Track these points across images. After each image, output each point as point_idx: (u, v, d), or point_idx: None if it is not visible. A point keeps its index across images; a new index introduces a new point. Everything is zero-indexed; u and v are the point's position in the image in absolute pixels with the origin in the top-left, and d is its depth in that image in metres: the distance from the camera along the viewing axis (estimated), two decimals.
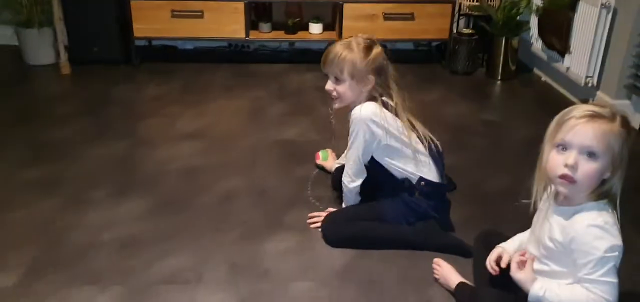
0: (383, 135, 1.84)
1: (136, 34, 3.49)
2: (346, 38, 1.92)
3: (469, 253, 1.82)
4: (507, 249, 1.54)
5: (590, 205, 1.28)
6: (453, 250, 1.86)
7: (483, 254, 1.61)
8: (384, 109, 1.85)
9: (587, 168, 1.24)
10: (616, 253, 1.23)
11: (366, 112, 1.83)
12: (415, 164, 1.89)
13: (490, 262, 1.53)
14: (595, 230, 1.23)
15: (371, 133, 1.84)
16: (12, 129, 2.72)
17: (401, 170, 1.89)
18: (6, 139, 2.61)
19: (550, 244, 1.33)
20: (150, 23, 3.46)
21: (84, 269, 1.76)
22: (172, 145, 2.59)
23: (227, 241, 1.93)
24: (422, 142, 1.90)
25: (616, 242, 1.23)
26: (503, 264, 1.47)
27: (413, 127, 1.91)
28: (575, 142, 1.25)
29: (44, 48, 3.54)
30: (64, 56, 3.44)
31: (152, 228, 1.98)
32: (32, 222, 2.00)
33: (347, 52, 1.85)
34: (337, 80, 1.88)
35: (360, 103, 1.87)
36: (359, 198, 2.00)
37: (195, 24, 3.48)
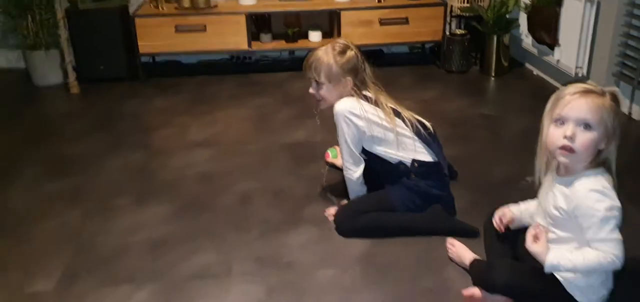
0: (364, 125, 1.96)
1: (141, 50, 3.60)
2: (326, 44, 2.07)
3: (475, 234, 1.95)
4: (511, 209, 1.69)
5: (588, 172, 1.41)
6: (459, 233, 1.98)
7: (493, 232, 1.74)
8: (362, 101, 1.99)
9: (584, 138, 1.38)
10: (616, 213, 1.36)
11: (344, 105, 1.97)
12: (403, 147, 2.00)
13: (495, 219, 1.68)
14: (595, 194, 1.36)
15: (353, 124, 1.96)
16: (30, 146, 2.82)
17: (392, 155, 2.01)
18: (27, 155, 2.71)
19: (556, 213, 1.45)
20: (155, 40, 3.57)
21: (118, 270, 1.86)
22: (186, 153, 2.70)
23: (250, 237, 2.03)
24: (409, 127, 2.02)
25: (615, 203, 1.36)
26: (505, 220, 1.65)
27: (398, 115, 2.03)
28: (572, 115, 1.39)
29: (52, 69, 3.64)
30: (72, 76, 3.54)
31: (178, 229, 2.09)
32: (62, 230, 2.10)
33: (323, 57, 2.01)
34: (318, 84, 2.04)
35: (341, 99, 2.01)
36: (364, 188, 2.11)
37: (198, 38, 3.60)
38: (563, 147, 1.40)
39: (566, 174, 1.46)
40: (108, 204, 2.26)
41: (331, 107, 2.03)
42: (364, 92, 2.02)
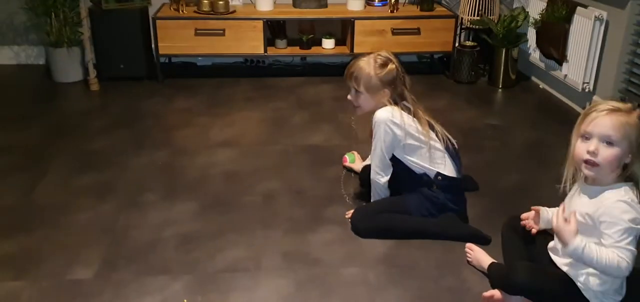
0: (402, 134, 2.07)
1: (161, 51, 3.69)
2: (368, 54, 2.17)
3: (487, 240, 2.06)
4: (539, 207, 1.78)
5: (617, 185, 1.52)
6: (471, 239, 2.08)
7: (511, 235, 1.85)
8: (403, 112, 2.10)
9: (607, 153, 1.50)
10: (639, 226, 1.47)
11: (386, 114, 2.08)
12: (432, 160, 2.11)
13: (526, 217, 1.77)
14: (623, 204, 1.47)
15: (392, 132, 2.07)
16: (56, 141, 2.90)
17: (420, 166, 2.12)
18: (53, 150, 2.80)
19: (581, 219, 1.56)
20: (175, 41, 3.67)
21: (154, 261, 1.96)
22: (209, 152, 2.80)
23: (276, 234, 2.14)
24: (440, 141, 2.14)
25: (639, 216, 1.47)
26: (535, 224, 1.75)
27: (432, 128, 2.15)
28: (596, 132, 1.51)
29: (73, 66, 3.73)
30: (92, 73, 3.63)
31: (206, 225, 2.18)
32: (96, 222, 2.19)
33: (364, 68, 2.12)
34: (356, 92, 2.15)
35: (380, 108, 2.12)
36: (388, 192, 2.22)
37: (217, 42, 3.70)
38: (587, 162, 1.52)
39: (594, 184, 1.57)
40: (137, 200, 2.36)
41: (367, 114, 2.14)
42: (404, 103, 2.13)
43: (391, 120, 2.06)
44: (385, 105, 2.11)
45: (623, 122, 1.48)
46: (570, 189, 1.66)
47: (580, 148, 1.54)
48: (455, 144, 2.18)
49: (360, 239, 2.11)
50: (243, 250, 2.03)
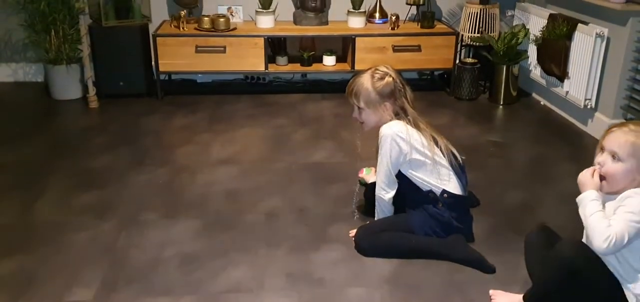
0: (408, 149, 2.05)
1: (162, 68, 3.68)
2: (367, 70, 2.16)
3: (491, 270, 2.00)
4: None
5: (634, 190, 1.55)
6: (475, 264, 2.03)
7: (537, 244, 1.83)
8: (408, 126, 2.08)
9: (612, 167, 1.56)
10: None
11: (393, 128, 2.06)
12: (437, 176, 2.09)
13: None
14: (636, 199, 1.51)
15: (398, 147, 2.05)
16: (55, 159, 2.87)
17: (426, 182, 2.09)
18: (53, 168, 2.76)
19: None
20: (175, 58, 3.66)
21: (154, 282, 1.92)
22: (210, 170, 2.77)
23: (279, 253, 2.10)
24: (444, 156, 2.11)
25: None
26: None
27: (436, 143, 2.12)
28: (606, 145, 1.58)
29: (72, 84, 3.71)
30: (92, 91, 3.61)
31: (208, 244, 2.14)
32: (96, 242, 2.15)
33: (362, 83, 2.11)
34: (359, 109, 2.14)
35: (385, 122, 2.10)
36: (392, 209, 2.18)
37: (218, 59, 3.69)
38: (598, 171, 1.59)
39: (613, 195, 1.60)
40: (138, 218, 2.32)
41: (374, 129, 2.12)
42: (408, 117, 2.11)
43: (397, 134, 2.04)
44: (389, 119, 2.09)
45: (631, 140, 1.54)
46: None
47: (595, 159, 1.62)
48: (460, 159, 2.15)
49: (364, 258, 2.07)
50: (246, 270, 2.00)
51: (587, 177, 1.61)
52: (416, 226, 2.11)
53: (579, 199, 1.60)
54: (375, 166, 2.22)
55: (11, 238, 2.17)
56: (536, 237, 1.85)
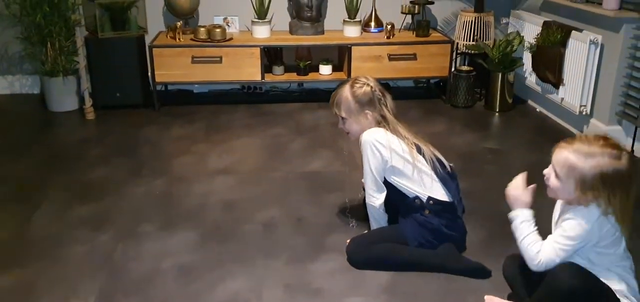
0: (389, 156, 2.06)
1: (158, 79, 3.68)
2: (347, 81, 2.20)
3: (487, 274, 2.02)
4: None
5: (586, 206, 1.57)
6: (471, 273, 2.04)
7: (515, 267, 1.84)
8: (388, 132, 2.10)
9: (554, 181, 1.61)
10: (577, 242, 1.56)
11: (371, 135, 2.08)
12: (421, 183, 2.09)
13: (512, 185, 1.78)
14: (580, 220, 1.57)
15: (379, 152, 2.06)
16: (52, 171, 2.86)
17: (410, 189, 2.09)
18: (50, 180, 2.76)
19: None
20: (172, 69, 3.67)
21: (152, 294, 1.91)
22: (207, 180, 2.77)
23: (277, 264, 2.10)
24: (428, 163, 2.11)
25: (583, 233, 1.55)
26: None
27: (419, 150, 2.12)
28: (552, 160, 1.62)
29: (68, 95, 3.71)
30: (88, 102, 3.61)
31: (206, 256, 2.14)
32: (92, 254, 2.15)
33: (342, 93, 2.16)
34: (342, 119, 2.17)
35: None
36: (385, 215, 2.18)
37: (214, 69, 3.70)
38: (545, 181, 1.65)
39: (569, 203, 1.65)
40: (135, 230, 2.31)
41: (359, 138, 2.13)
42: (388, 125, 2.12)
43: (377, 140, 2.06)
44: (370, 126, 2.11)
45: (572, 163, 1.54)
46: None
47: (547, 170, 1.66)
48: (448, 165, 2.16)
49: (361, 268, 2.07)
50: (244, 281, 1.99)
51: (517, 192, 1.70)
52: (409, 236, 2.10)
53: (510, 216, 1.69)
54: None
55: (8, 251, 2.16)
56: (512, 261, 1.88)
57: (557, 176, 1.58)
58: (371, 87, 2.13)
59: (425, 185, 2.09)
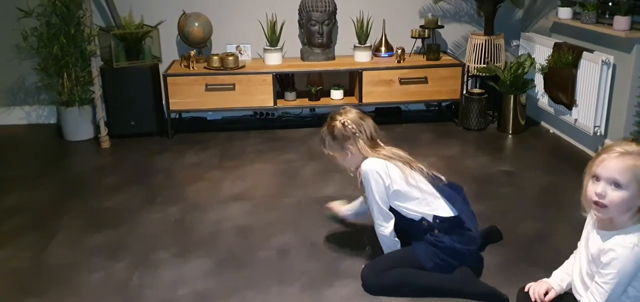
0: (390, 181, 2.07)
1: (172, 107, 3.73)
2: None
3: (504, 299, 1.98)
4: (552, 284, 1.74)
5: (629, 229, 1.51)
6: (488, 298, 2.01)
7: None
8: (384, 160, 2.09)
9: (614, 196, 1.50)
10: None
11: (371, 165, 2.08)
12: (424, 203, 2.09)
13: (536, 293, 1.73)
14: (628, 251, 1.49)
15: (381, 179, 2.06)
16: (69, 199, 2.90)
17: (415, 212, 2.08)
18: (66, 208, 2.79)
19: (590, 258, 1.59)
20: (186, 97, 3.71)
21: None
22: (222, 207, 2.78)
23: (292, 290, 2.09)
24: (426, 179, 2.12)
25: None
26: (548, 300, 1.71)
27: (412, 168, 2.12)
28: (604, 174, 1.52)
29: (84, 124, 3.76)
30: (103, 131, 3.66)
31: (221, 282, 2.14)
32: (109, 282, 2.15)
33: (323, 135, 2.20)
34: (333, 156, 2.19)
35: (363, 160, 2.11)
36: (397, 241, 2.17)
37: (227, 96, 3.74)
38: (596, 203, 1.53)
39: (606, 228, 1.56)
40: (150, 258, 2.32)
41: (358, 169, 2.13)
42: (380, 149, 2.13)
43: (375, 170, 2.07)
44: (363, 156, 2.11)
45: (631, 165, 1.48)
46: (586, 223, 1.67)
47: (590, 190, 1.55)
48: (443, 179, 2.15)
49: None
50: None
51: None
52: (423, 259, 2.08)
53: None
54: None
55: (24, 281, 2.18)
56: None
57: (617, 186, 1.49)
58: (342, 123, 2.13)
59: (429, 204, 2.09)
